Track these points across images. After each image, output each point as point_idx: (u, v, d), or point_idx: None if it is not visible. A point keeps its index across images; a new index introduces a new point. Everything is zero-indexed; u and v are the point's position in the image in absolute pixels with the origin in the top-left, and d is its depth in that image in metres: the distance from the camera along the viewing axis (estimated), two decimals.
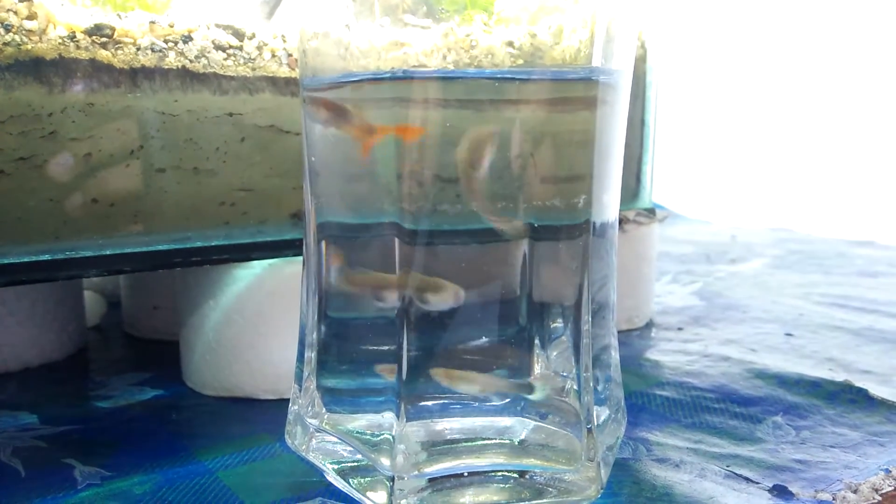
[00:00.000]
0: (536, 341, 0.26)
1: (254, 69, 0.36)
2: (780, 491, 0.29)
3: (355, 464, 0.27)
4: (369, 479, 0.26)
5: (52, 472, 0.32)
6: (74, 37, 0.32)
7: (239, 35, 0.36)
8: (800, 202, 1.09)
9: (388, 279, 0.25)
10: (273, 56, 0.36)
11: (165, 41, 0.34)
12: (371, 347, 0.27)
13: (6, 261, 0.32)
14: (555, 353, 0.27)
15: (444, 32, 0.25)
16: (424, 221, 0.25)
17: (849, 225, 0.96)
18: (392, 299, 0.25)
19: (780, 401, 0.38)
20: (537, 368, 0.26)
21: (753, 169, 1.17)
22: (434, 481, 0.25)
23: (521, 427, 0.26)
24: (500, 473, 0.26)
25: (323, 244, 0.28)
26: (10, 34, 0.31)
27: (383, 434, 0.26)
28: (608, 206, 0.28)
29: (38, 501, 0.29)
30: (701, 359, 0.45)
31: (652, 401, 0.39)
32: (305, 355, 0.29)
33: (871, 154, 1.08)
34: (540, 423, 0.26)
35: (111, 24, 0.33)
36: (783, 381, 0.40)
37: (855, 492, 0.29)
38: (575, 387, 0.26)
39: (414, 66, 0.24)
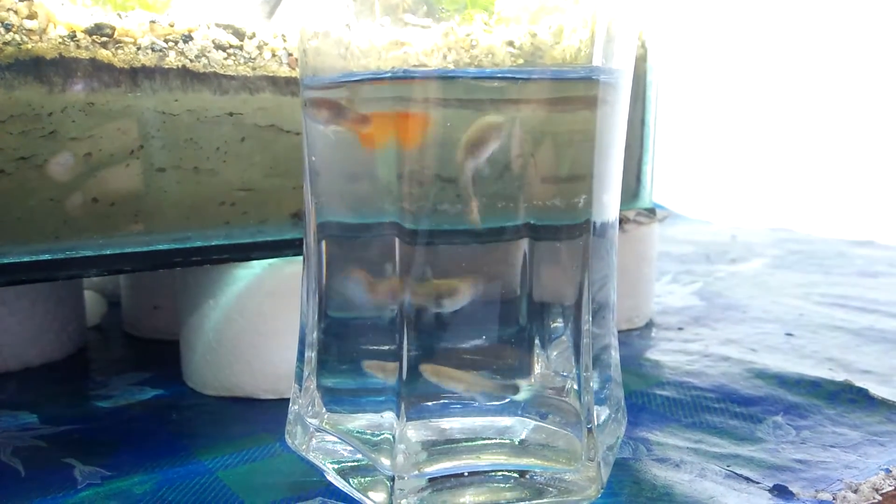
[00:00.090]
0: (536, 341, 0.26)
1: (254, 69, 0.36)
2: (780, 491, 0.29)
3: (355, 463, 0.27)
4: (369, 478, 0.26)
5: (53, 471, 0.32)
6: (75, 36, 0.32)
7: (239, 34, 0.36)
8: (800, 202, 1.09)
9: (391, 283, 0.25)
10: (273, 56, 0.36)
11: (166, 41, 0.34)
12: (371, 347, 0.27)
13: (6, 260, 0.32)
14: (555, 353, 0.27)
15: (444, 32, 0.25)
16: (425, 221, 0.25)
17: (849, 225, 0.96)
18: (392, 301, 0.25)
19: (780, 401, 0.38)
20: (537, 368, 0.26)
21: (753, 169, 1.17)
22: (434, 481, 0.25)
23: (521, 427, 0.26)
24: (500, 473, 0.26)
25: (323, 244, 0.28)
26: (11, 33, 0.31)
27: (383, 434, 0.26)
28: (608, 205, 0.28)
29: (39, 501, 0.29)
30: (701, 359, 0.45)
31: (652, 401, 0.39)
32: (306, 355, 0.29)
33: (871, 154, 1.08)
34: (540, 423, 0.26)
35: (111, 24, 0.33)
36: (783, 380, 0.40)
37: (855, 492, 0.29)
38: (575, 386, 0.26)
39: (414, 66, 0.24)
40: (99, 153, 0.33)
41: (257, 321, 0.39)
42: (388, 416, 0.26)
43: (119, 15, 0.33)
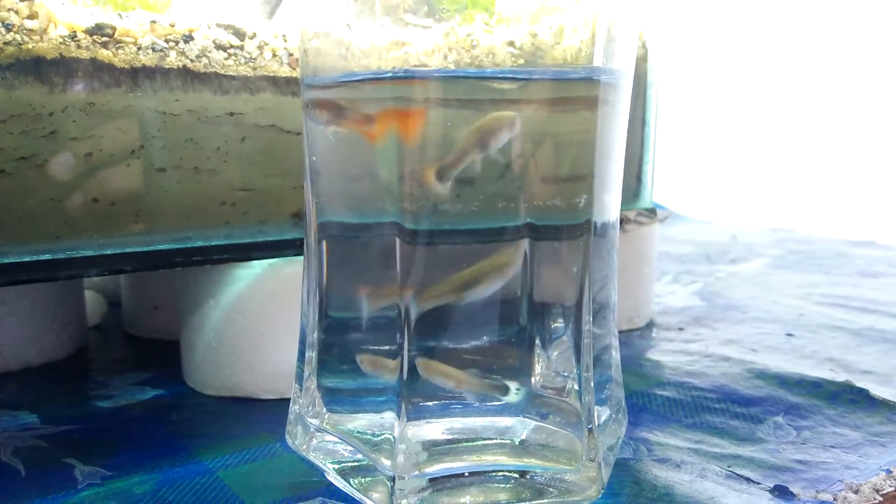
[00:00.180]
0: (537, 341, 0.26)
1: (255, 69, 0.36)
2: (781, 491, 0.29)
3: (356, 464, 0.27)
4: (370, 478, 0.26)
5: (53, 471, 0.32)
6: (75, 36, 0.32)
7: (240, 35, 0.36)
8: (800, 202, 1.09)
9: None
10: (274, 56, 0.36)
11: (166, 41, 0.34)
12: (372, 347, 0.27)
13: (7, 260, 0.32)
14: (556, 353, 0.27)
15: (445, 32, 0.25)
16: (425, 221, 0.25)
17: (849, 225, 0.96)
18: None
19: (780, 401, 0.38)
20: (538, 368, 0.26)
21: (753, 169, 1.17)
22: (435, 481, 0.25)
23: (521, 427, 0.26)
24: (500, 473, 0.26)
25: (324, 244, 0.28)
26: (11, 33, 0.31)
27: (384, 434, 0.26)
28: (609, 205, 0.28)
29: (39, 501, 0.29)
30: (701, 359, 0.45)
31: (653, 401, 0.39)
32: (306, 355, 0.29)
33: (871, 154, 1.08)
34: (541, 423, 0.26)
35: (112, 24, 0.33)
36: (784, 381, 0.40)
37: (856, 492, 0.29)
38: (576, 387, 0.26)
39: (415, 66, 0.24)
40: (99, 153, 0.33)
41: (258, 321, 0.39)
42: (389, 417, 0.26)
43: (120, 15, 0.33)
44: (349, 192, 0.28)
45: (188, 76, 0.35)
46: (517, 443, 0.26)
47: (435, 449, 0.26)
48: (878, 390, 0.38)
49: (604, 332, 0.28)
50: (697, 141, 1.15)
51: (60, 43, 0.32)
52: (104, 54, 0.33)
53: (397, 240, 0.25)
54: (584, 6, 0.25)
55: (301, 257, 0.31)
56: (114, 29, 0.33)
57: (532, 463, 0.26)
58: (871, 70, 1.07)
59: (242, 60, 0.36)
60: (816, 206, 1.07)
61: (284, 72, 0.37)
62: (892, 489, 0.29)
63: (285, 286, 0.38)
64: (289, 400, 0.31)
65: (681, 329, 0.52)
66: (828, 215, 1.03)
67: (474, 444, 0.26)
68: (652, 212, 0.51)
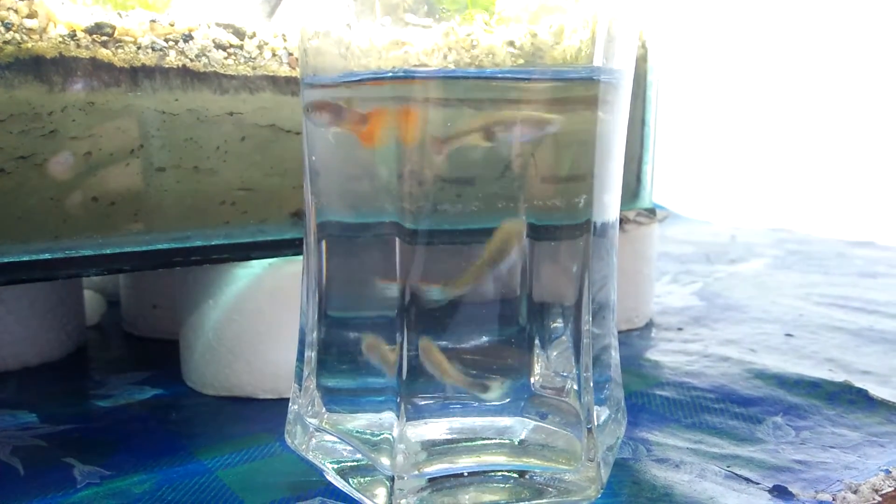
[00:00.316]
0: (536, 341, 0.26)
1: (254, 68, 0.36)
2: (780, 491, 0.29)
3: (355, 463, 0.27)
4: (369, 478, 0.26)
5: (52, 471, 0.32)
6: (75, 35, 0.32)
7: (239, 34, 0.36)
8: (800, 202, 1.09)
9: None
10: (274, 55, 0.36)
11: (166, 40, 0.34)
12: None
13: (6, 259, 0.32)
14: (555, 353, 0.27)
15: (444, 32, 0.25)
16: (425, 221, 0.25)
17: (848, 225, 0.96)
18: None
19: (780, 401, 0.38)
20: (537, 368, 0.26)
21: (753, 169, 1.17)
22: (434, 481, 0.25)
23: (520, 427, 0.26)
24: (499, 473, 0.26)
25: (323, 244, 0.28)
26: (11, 32, 0.31)
27: (383, 434, 0.26)
28: (609, 205, 0.28)
29: (38, 500, 0.29)
30: (701, 359, 0.45)
31: (652, 401, 0.39)
32: (305, 354, 0.29)
33: (871, 154, 1.08)
34: (540, 423, 0.26)
35: (112, 23, 0.33)
36: (783, 381, 0.40)
37: (855, 492, 0.29)
38: (575, 387, 0.26)
39: (415, 66, 0.24)
40: (99, 152, 0.33)
41: (257, 321, 0.39)
42: (388, 416, 0.26)
43: (119, 14, 0.33)
44: (349, 191, 0.28)
45: (188, 75, 0.35)
46: (516, 443, 0.26)
47: (434, 449, 0.26)
48: (877, 390, 0.38)
49: (603, 332, 0.28)
50: (697, 141, 1.15)
51: (60, 42, 0.32)
52: (104, 53, 0.33)
53: (397, 239, 0.25)
54: (584, 6, 0.25)
55: (300, 257, 0.31)
56: (113, 28, 0.33)
57: (531, 463, 0.26)
58: (871, 70, 1.07)
59: (242, 60, 0.36)
60: (816, 206, 1.07)
61: (284, 71, 0.37)
62: (891, 489, 0.29)
63: (285, 286, 0.38)
64: (288, 399, 0.31)
65: (680, 329, 0.52)
66: (827, 215, 1.03)
67: (473, 443, 0.26)
68: (651, 212, 0.51)
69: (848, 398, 0.38)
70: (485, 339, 0.26)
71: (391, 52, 0.24)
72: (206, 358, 0.40)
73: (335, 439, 0.28)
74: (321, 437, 0.28)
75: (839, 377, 0.40)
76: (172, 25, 0.34)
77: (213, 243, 0.36)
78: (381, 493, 0.26)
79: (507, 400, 0.26)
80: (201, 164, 0.35)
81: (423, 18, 0.24)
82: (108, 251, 0.34)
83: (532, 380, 0.26)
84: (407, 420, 0.25)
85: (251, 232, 0.37)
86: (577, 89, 0.26)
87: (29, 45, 0.31)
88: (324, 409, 0.28)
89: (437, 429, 0.26)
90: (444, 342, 0.26)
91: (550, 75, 0.25)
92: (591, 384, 0.27)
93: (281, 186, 0.37)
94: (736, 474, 0.31)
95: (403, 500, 0.25)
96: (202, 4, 0.35)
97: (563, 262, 0.26)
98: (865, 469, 0.31)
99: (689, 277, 0.68)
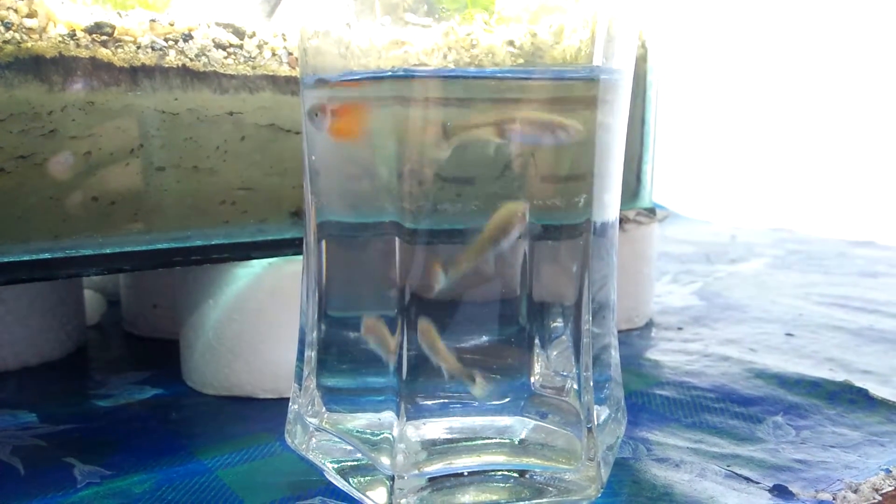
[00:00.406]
0: (536, 341, 0.26)
1: (254, 68, 0.36)
2: (780, 491, 0.29)
3: (355, 463, 0.27)
4: (369, 478, 0.26)
5: (52, 470, 0.32)
6: (74, 35, 0.32)
7: (239, 34, 0.36)
8: (800, 202, 1.09)
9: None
10: (273, 55, 0.36)
11: (166, 39, 0.34)
12: (372, 347, 0.27)
13: (6, 259, 0.32)
14: (555, 353, 0.27)
15: (444, 31, 0.25)
16: (425, 220, 0.25)
17: (849, 225, 0.96)
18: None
19: (780, 401, 0.38)
20: (537, 368, 0.26)
21: (753, 169, 1.17)
22: (434, 480, 0.25)
23: (521, 426, 0.26)
24: (500, 473, 0.26)
25: (323, 243, 0.28)
26: (11, 32, 0.31)
27: (383, 433, 0.26)
28: (609, 205, 0.28)
29: (38, 500, 0.29)
30: (701, 358, 0.45)
31: (652, 400, 0.39)
32: (305, 354, 0.29)
33: (871, 154, 1.08)
34: (540, 423, 0.26)
35: (111, 23, 0.33)
36: (783, 380, 0.40)
37: (855, 492, 0.29)
38: (575, 386, 0.26)
39: (414, 65, 0.24)
40: (99, 152, 0.33)
41: (257, 320, 0.39)
42: (388, 416, 0.26)
43: (119, 14, 0.33)
44: (348, 191, 0.28)
45: (187, 75, 0.35)
46: (516, 442, 0.26)
47: (434, 448, 0.26)
48: (877, 390, 0.38)
49: (603, 332, 0.28)
50: (697, 141, 1.15)
51: (60, 41, 0.32)
52: (103, 53, 0.33)
53: (397, 239, 0.25)
54: (583, 6, 0.25)
55: (300, 256, 0.31)
56: (113, 28, 0.33)
57: (531, 462, 0.26)
58: (872, 70, 1.07)
59: (242, 59, 0.36)
60: (816, 206, 1.07)
61: (284, 71, 0.37)
62: (891, 488, 0.29)
63: (285, 285, 0.38)
64: (288, 399, 0.31)
65: (680, 329, 0.52)
66: (828, 215, 1.03)
67: (473, 443, 0.26)
68: (651, 211, 0.51)
69: (848, 398, 0.38)
70: (485, 338, 0.26)
71: (391, 51, 0.24)
72: (207, 357, 0.40)
73: (335, 439, 0.28)
74: (321, 437, 0.28)
75: (839, 377, 0.40)
76: (172, 25, 0.34)
77: (213, 243, 0.36)
78: (381, 492, 0.26)
79: (507, 399, 0.26)
80: (201, 164, 0.35)
81: (423, 18, 0.24)
82: (108, 251, 0.34)
83: (532, 379, 0.26)
84: (407, 419, 0.25)
85: (251, 231, 0.37)
86: (576, 89, 0.26)
87: (29, 44, 0.31)
88: (324, 409, 0.28)
89: (437, 428, 0.26)
90: (444, 342, 0.26)
91: (550, 75, 0.25)
92: (591, 383, 0.27)
93: (281, 186, 0.37)
94: (736, 474, 0.31)
95: (403, 500, 0.25)
96: (202, 4, 0.35)
97: (563, 262, 0.26)
98: (866, 468, 0.31)
99: (689, 277, 0.68)
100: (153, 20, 0.34)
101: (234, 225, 0.37)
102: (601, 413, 0.28)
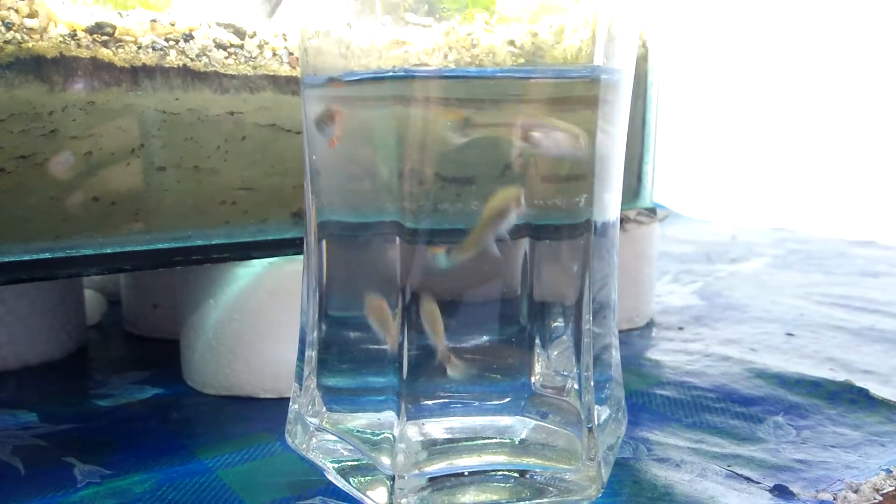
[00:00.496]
0: (537, 340, 0.26)
1: (255, 68, 0.36)
2: (780, 491, 0.29)
3: (356, 463, 0.27)
4: (370, 477, 0.26)
5: (52, 470, 0.32)
6: (75, 35, 0.32)
7: (240, 34, 0.36)
8: (800, 202, 1.09)
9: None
10: (274, 55, 0.36)
11: (166, 39, 0.34)
12: (372, 347, 0.27)
13: (6, 259, 0.32)
14: (555, 353, 0.27)
15: (445, 31, 0.25)
16: (425, 220, 0.25)
17: (849, 225, 0.96)
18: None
19: (780, 400, 0.38)
20: (538, 367, 0.26)
21: (753, 169, 1.16)
22: (434, 480, 0.25)
23: (521, 426, 0.26)
24: (500, 473, 0.26)
25: (324, 243, 0.28)
26: (11, 32, 0.31)
27: (384, 433, 0.26)
28: (609, 205, 0.28)
29: (38, 500, 0.29)
30: (701, 358, 0.45)
31: (652, 400, 0.39)
32: (306, 354, 0.29)
33: (871, 154, 1.08)
34: (540, 423, 0.26)
35: (112, 23, 0.33)
36: (784, 380, 0.40)
37: (856, 492, 0.29)
38: (576, 386, 0.26)
39: (415, 65, 0.24)
40: (99, 152, 0.33)
41: (257, 320, 0.39)
42: (389, 416, 0.26)
43: (120, 14, 0.33)
44: (349, 190, 0.28)
45: (188, 75, 0.35)
46: (517, 442, 0.26)
47: (434, 448, 0.26)
48: (878, 390, 0.38)
49: (604, 332, 0.28)
50: (697, 141, 1.15)
51: (60, 42, 0.32)
52: (104, 53, 0.33)
53: (397, 239, 0.25)
54: (584, 6, 0.25)
55: (301, 256, 0.31)
56: (114, 28, 0.33)
57: (532, 462, 0.26)
58: (871, 70, 1.07)
59: (242, 59, 0.36)
60: (816, 205, 1.07)
61: (284, 71, 0.37)
62: (892, 489, 0.29)
63: (285, 285, 0.38)
64: (288, 399, 0.31)
65: (681, 328, 0.52)
66: (828, 215, 1.03)
67: (474, 443, 0.26)
68: (652, 211, 0.51)
69: (849, 397, 0.38)
70: (486, 338, 0.26)
71: (391, 51, 0.24)
72: (207, 357, 0.40)
73: (336, 439, 0.28)
74: (322, 437, 0.28)
75: (840, 376, 0.40)
76: (173, 25, 0.34)
77: (213, 243, 0.36)
78: (381, 492, 0.26)
79: (507, 399, 0.26)
80: (202, 164, 0.35)
81: (424, 18, 0.24)
82: (108, 251, 0.34)
83: (533, 379, 0.26)
84: (407, 419, 0.25)
85: (252, 231, 0.37)
86: (577, 89, 0.26)
87: (29, 44, 0.31)
88: (324, 409, 0.28)
89: (437, 428, 0.26)
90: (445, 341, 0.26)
91: (551, 75, 0.25)
92: (592, 383, 0.27)
93: (281, 186, 0.37)
94: (737, 474, 0.31)
95: (404, 500, 0.25)
96: (203, 4, 0.35)
97: (563, 262, 0.26)
98: (866, 468, 0.31)
99: (689, 277, 0.68)
100: (154, 20, 0.34)
101: (234, 225, 0.37)
102: (602, 413, 0.28)
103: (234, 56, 0.36)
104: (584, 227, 0.26)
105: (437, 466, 0.25)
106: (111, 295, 0.58)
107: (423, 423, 0.25)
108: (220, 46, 0.35)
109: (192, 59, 0.35)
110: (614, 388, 0.29)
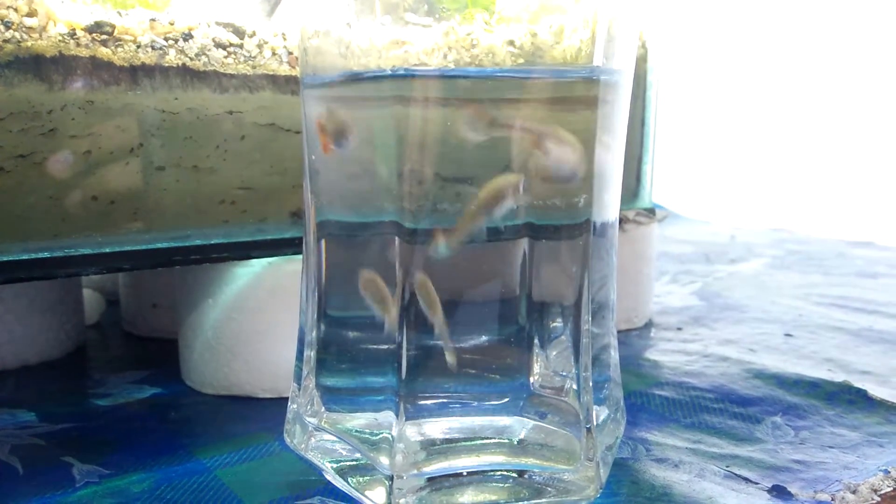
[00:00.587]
0: (536, 341, 0.26)
1: (254, 67, 0.36)
2: (779, 491, 0.29)
3: (354, 463, 0.27)
4: (368, 477, 0.26)
5: (51, 470, 0.32)
6: (74, 34, 0.32)
7: (239, 33, 0.36)
8: (800, 202, 1.09)
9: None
10: (273, 54, 0.36)
11: (166, 39, 0.34)
12: (370, 346, 0.27)
13: (5, 258, 0.32)
14: (554, 353, 0.27)
15: (444, 31, 0.25)
16: (425, 220, 0.25)
17: (848, 225, 0.96)
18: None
19: (779, 401, 0.38)
20: (536, 368, 0.26)
21: (753, 169, 1.17)
22: (433, 480, 0.25)
23: (520, 426, 0.26)
24: (499, 473, 0.26)
25: (323, 243, 0.28)
26: (11, 31, 0.31)
27: (382, 433, 0.26)
28: (608, 205, 0.28)
29: (37, 499, 0.29)
30: (700, 359, 0.45)
31: (651, 401, 0.39)
32: (305, 354, 0.29)
33: (871, 154, 1.08)
34: (539, 423, 0.26)
35: (111, 22, 0.33)
36: (782, 381, 0.40)
37: (854, 492, 0.29)
38: (574, 386, 0.26)
39: (415, 65, 0.24)
40: (98, 151, 0.33)
41: (256, 320, 0.39)
42: (387, 416, 0.26)
43: (119, 13, 0.33)
44: (348, 190, 0.28)
45: (187, 74, 0.35)
46: (515, 442, 0.26)
47: (433, 448, 0.26)
48: (876, 391, 0.38)
49: (602, 332, 0.28)
50: (697, 141, 1.15)
51: (60, 41, 0.32)
52: (103, 52, 0.33)
53: (396, 239, 0.25)
54: (584, 6, 0.25)
55: (300, 256, 0.31)
56: (113, 27, 0.33)
57: (530, 462, 0.26)
58: (871, 70, 1.07)
59: (242, 59, 0.36)
60: (815, 206, 1.07)
61: (284, 70, 0.37)
62: (889, 489, 0.29)
63: (284, 285, 0.38)
64: (287, 399, 0.31)
65: (679, 329, 0.52)
66: (827, 216, 1.03)
67: (473, 443, 0.26)
68: (651, 211, 0.51)
69: (847, 398, 0.38)
70: (484, 338, 0.26)
71: (391, 51, 0.24)
72: (206, 357, 0.40)
73: (334, 438, 0.28)
74: (320, 437, 0.28)
75: (838, 377, 0.40)
76: (172, 24, 0.34)
77: (212, 242, 0.36)
78: (380, 492, 0.26)
79: (506, 399, 0.26)
80: (201, 163, 0.35)
81: (423, 17, 0.24)
82: (107, 250, 0.34)
83: (531, 379, 0.26)
84: (406, 419, 0.25)
85: (251, 231, 0.37)
86: (577, 89, 0.26)
87: (29, 43, 0.31)
88: (323, 409, 0.28)
89: (436, 428, 0.26)
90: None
91: (550, 75, 0.25)
92: (591, 384, 0.27)
93: (280, 185, 0.37)
94: (735, 474, 0.31)
95: (402, 500, 0.25)
96: (202, 3, 0.35)
97: (562, 262, 0.26)
98: (864, 469, 0.31)
99: (688, 277, 0.68)
100: (153, 19, 0.34)
101: (233, 224, 0.37)
102: (600, 413, 0.28)
103: (233, 55, 0.36)
104: (583, 228, 0.26)
105: (436, 466, 0.25)
106: (110, 294, 0.58)
107: (421, 423, 0.25)
108: (219, 46, 0.35)
109: (191, 59, 0.35)
110: (613, 389, 0.29)
